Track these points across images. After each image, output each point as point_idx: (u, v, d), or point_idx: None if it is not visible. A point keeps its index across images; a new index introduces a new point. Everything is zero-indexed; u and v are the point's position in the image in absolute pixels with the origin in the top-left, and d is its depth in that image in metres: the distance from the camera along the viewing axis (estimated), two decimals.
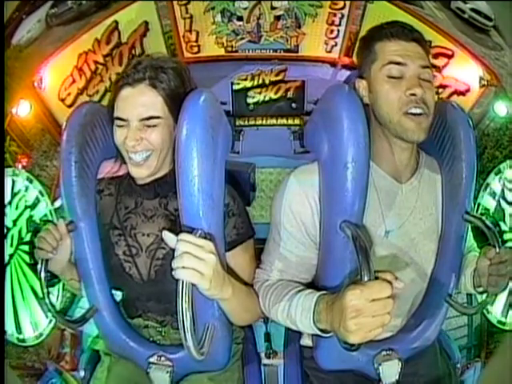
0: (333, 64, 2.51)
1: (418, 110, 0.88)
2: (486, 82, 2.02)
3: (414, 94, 0.88)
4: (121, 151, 0.94)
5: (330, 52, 2.50)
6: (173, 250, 0.73)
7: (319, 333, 0.81)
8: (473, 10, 2.01)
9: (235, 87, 2.61)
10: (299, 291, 0.87)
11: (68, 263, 0.96)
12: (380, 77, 0.90)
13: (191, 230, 0.77)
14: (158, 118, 0.89)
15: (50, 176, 2.00)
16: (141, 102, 0.89)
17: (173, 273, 0.71)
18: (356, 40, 2.38)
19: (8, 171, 1.76)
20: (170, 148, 0.93)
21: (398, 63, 0.89)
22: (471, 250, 1.04)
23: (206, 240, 0.75)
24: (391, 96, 0.89)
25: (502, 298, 1.76)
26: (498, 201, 1.91)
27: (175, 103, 0.89)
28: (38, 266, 0.91)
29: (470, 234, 1.05)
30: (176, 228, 0.78)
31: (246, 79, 2.61)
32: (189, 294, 0.71)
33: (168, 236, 0.75)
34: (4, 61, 1.54)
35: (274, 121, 2.67)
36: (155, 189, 0.97)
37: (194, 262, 0.71)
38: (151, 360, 0.97)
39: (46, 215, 1.87)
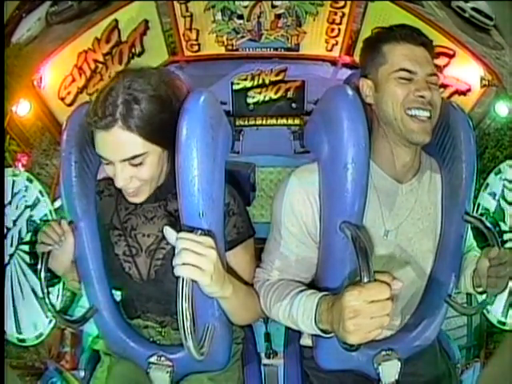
0: (333, 63, 2.51)
1: (426, 113, 0.88)
2: (487, 82, 2.02)
3: (422, 96, 0.88)
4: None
5: (330, 51, 2.49)
6: (173, 250, 0.73)
7: (321, 333, 0.81)
8: (473, 9, 2.01)
9: (235, 87, 2.60)
10: (300, 291, 0.87)
11: (70, 264, 0.95)
12: (389, 79, 0.90)
13: (191, 230, 0.77)
14: (141, 155, 0.84)
15: (50, 175, 2.00)
16: (119, 145, 0.82)
17: (174, 270, 0.71)
18: (357, 39, 2.38)
19: (8, 171, 1.76)
20: (162, 166, 0.90)
21: (410, 71, 0.89)
22: (471, 249, 1.05)
23: (206, 236, 0.75)
24: (398, 93, 0.89)
25: (502, 298, 1.77)
26: (498, 201, 1.91)
27: (156, 132, 0.83)
28: (39, 266, 0.90)
29: (470, 232, 1.05)
30: (176, 228, 0.78)
31: (246, 79, 2.61)
32: (189, 294, 0.71)
33: (169, 232, 0.75)
34: (4, 60, 1.54)
35: (273, 121, 2.67)
36: (155, 195, 0.95)
37: (194, 258, 0.71)
38: (151, 360, 0.97)
39: (45, 215, 1.88)
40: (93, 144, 0.86)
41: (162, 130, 0.82)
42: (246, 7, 2.39)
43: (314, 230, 0.92)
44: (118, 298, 1.02)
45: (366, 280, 0.68)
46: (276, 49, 2.53)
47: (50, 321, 1.80)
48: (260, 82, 2.63)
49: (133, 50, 2.29)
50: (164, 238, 0.89)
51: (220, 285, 0.78)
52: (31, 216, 1.84)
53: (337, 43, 2.46)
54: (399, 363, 0.96)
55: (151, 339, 1.02)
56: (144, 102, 0.81)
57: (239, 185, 1.10)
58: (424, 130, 0.89)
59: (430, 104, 0.88)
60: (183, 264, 0.71)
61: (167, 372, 0.97)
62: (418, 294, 1.01)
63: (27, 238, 1.80)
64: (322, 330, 0.81)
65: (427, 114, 0.88)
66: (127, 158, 0.83)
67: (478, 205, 1.92)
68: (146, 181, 0.87)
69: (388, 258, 0.95)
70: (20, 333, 1.74)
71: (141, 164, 0.84)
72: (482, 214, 1.87)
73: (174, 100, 0.85)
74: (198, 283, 0.74)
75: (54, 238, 0.90)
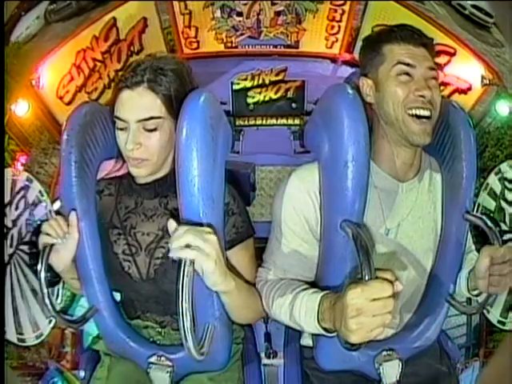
0: (333, 60, 2.50)
1: (426, 113, 0.89)
2: (487, 81, 2.01)
3: (422, 96, 0.88)
4: (122, 152, 0.94)
5: (330, 48, 2.48)
6: None
7: (323, 332, 0.81)
8: (474, 6, 2.00)
9: (235, 87, 2.59)
10: (302, 290, 0.87)
11: (71, 262, 0.95)
12: (389, 77, 0.91)
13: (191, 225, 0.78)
14: (157, 118, 0.89)
15: (49, 173, 1.99)
16: (140, 104, 0.89)
17: (174, 253, 0.71)
18: (357, 36, 2.37)
19: (8, 171, 1.76)
20: (170, 149, 0.93)
21: (408, 64, 0.89)
22: (469, 251, 1.04)
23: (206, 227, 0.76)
24: (399, 93, 0.89)
25: (502, 298, 1.76)
26: (498, 201, 1.91)
27: (175, 105, 0.89)
28: (39, 266, 0.89)
29: (469, 236, 1.05)
30: None
31: (245, 79, 2.60)
32: (189, 294, 0.71)
33: (172, 224, 0.76)
34: (4, 60, 1.53)
35: (273, 121, 2.66)
36: (155, 189, 0.97)
37: (197, 241, 0.72)
38: (151, 360, 0.97)
39: (45, 215, 1.87)
40: (113, 108, 0.91)
41: (180, 99, 0.87)
42: (245, 4, 2.38)
43: (316, 227, 0.92)
44: (118, 299, 1.02)
45: (367, 278, 0.68)
46: (276, 46, 2.51)
47: (50, 321, 1.79)
48: (260, 81, 2.61)
49: (131, 48, 2.28)
50: (164, 236, 0.89)
51: (223, 276, 0.78)
52: (31, 216, 1.83)
53: (337, 40, 2.45)
54: (400, 363, 0.96)
55: (151, 339, 1.02)
56: (169, 75, 0.90)
57: (239, 185, 1.10)
58: (424, 131, 0.89)
59: (430, 103, 0.89)
60: (186, 246, 0.71)
61: (167, 372, 0.97)
62: (418, 292, 1.01)
63: (27, 238, 1.79)
64: (324, 329, 0.81)
65: (427, 113, 0.89)
66: (145, 118, 0.88)
67: (478, 205, 1.91)
68: (153, 154, 0.90)
69: (389, 256, 0.95)
70: (20, 333, 1.73)
71: (154, 130, 0.89)
72: (482, 214, 1.87)
73: (190, 83, 0.93)
74: (202, 271, 0.74)
75: (58, 231, 0.89)
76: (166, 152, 0.93)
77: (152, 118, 0.89)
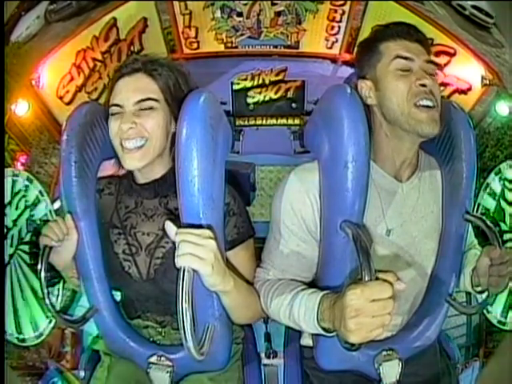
0: (333, 60, 2.51)
1: (430, 103, 0.88)
2: (487, 81, 2.02)
3: (423, 85, 0.88)
4: (115, 146, 0.93)
5: (330, 48, 2.49)
6: (173, 249, 0.74)
7: (323, 332, 0.81)
8: (474, 7, 2.00)
9: (235, 87, 2.60)
10: (302, 290, 0.87)
11: (71, 260, 0.95)
12: (388, 72, 0.91)
13: (190, 227, 0.78)
14: (154, 100, 0.90)
15: (49, 173, 2.00)
16: (137, 87, 0.90)
17: (175, 260, 0.72)
18: (357, 36, 2.37)
19: (8, 171, 1.76)
20: (165, 142, 0.93)
21: (405, 58, 0.90)
22: (471, 247, 1.04)
23: (204, 229, 0.76)
24: (401, 87, 0.89)
25: (502, 298, 1.77)
26: (498, 201, 1.91)
27: (171, 97, 0.91)
28: (39, 266, 0.90)
29: (471, 231, 1.05)
30: (177, 227, 0.79)
31: (246, 79, 2.61)
32: (189, 294, 0.71)
33: (169, 226, 0.76)
34: (4, 60, 1.53)
35: (273, 121, 2.67)
36: (155, 188, 0.97)
37: (193, 248, 0.72)
38: (151, 360, 0.97)
39: (45, 215, 1.87)
40: (108, 103, 0.92)
41: (176, 101, 0.89)
42: (245, 5, 2.39)
43: (314, 227, 0.92)
44: (118, 298, 1.02)
45: (366, 279, 0.68)
46: (276, 46, 2.52)
47: (50, 321, 1.80)
48: (260, 81, 2.62)
49: (131, 48, 2.29)
50: (164, 236, 0.89)
51: (221, 276, 0.78)
52: (31, 216, 1.83)
53: (337, 41, 2.46)
54: (400, 363, 0.96)
55: (151, 339, 1.02)
56: (166, 69, 0.92)
57: (239, 185, 1.10)
58: (433, 118, 0.88)
59: (431, 93, 0.88)
60: (182, 254, 0.72)
61: (167, 372, 0.96)
62: (420, 294, 1.01)
63: (27, 238, 1.79)
64: (323, 329, 0.80)
65: (431, 103, 0.88)
66: (142, 98, 0.89)
67: (478, 205, 1.92)
68: (150, 136, 0.89)
69: (391, 257, 0.94)
70: (20, 333, 1.73)
71: (150, 111, 0.89)
72: (482, 214, 1.87)
73: (189, 83, 0.95)
74: (200, 274, 0.74)
75: (58, 233, 0.90)
76: (160, 140, 0.92)
77: (149, 99, 0.90)
